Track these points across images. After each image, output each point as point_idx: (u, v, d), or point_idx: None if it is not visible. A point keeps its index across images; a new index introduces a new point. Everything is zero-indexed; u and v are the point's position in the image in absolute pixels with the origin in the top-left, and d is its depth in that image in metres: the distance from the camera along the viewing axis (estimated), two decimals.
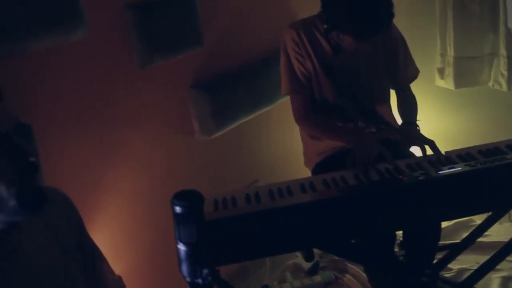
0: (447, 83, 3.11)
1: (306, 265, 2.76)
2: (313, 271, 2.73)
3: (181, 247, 1.11)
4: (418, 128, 2.08)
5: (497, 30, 2.92)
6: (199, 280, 1.12)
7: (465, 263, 2.55)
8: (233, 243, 1.49)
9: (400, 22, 2.20)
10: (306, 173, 2.30)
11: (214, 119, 2.34)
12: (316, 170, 2.23)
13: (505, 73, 2.93)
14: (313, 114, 2.15)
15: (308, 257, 1.72)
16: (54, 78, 1.81)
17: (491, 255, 1.83)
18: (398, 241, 2.67)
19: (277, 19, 2.65)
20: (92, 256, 1.35)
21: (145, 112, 2.15)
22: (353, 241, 1.84)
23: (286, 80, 2.15)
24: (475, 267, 1.89)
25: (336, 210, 1.57)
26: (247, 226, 1.50)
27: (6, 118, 1.06)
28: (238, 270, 2.61)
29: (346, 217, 1.56)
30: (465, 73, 3.02)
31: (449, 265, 2.25)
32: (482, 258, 1.90)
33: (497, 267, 1.89)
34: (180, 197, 1.10)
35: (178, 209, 1.08)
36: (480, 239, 1.94)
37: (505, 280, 2.52)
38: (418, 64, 2.26)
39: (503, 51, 2.91)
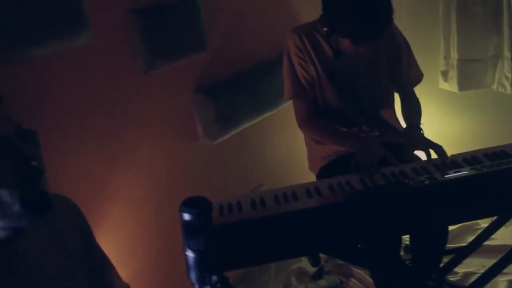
0: (451, 86, 3.09)
1: (311, 269, 2.74)
2: (318, 276, 2.71)
3: (190, 254, 1.10)
4: (422, 132, 2.07)
5: (501, 32, 2.91)
6: (208, 287, 1.11)
7: (471, 266, 2.53)
8: (239, 248, 1.48)
9: (403, 24, 2.19)
10: (310, 177, 2.29)
11: (218, 124, 2.34)
12: (320, 175, 2.22)
13: (509, 75, 2.92)
14: (316, 118, 2.14)
15: (315, 262, 1.72)
16: (58, 83, 1.81)
17: (498, 258, 1.83)
18: (404, 245, 2.67)
19: (281, 24, 2.65)
20: (100, 262, 1.34)
21: (149, 117, 2.15)
22: (359, 245, 1.84)
23: (289, 84, 2.15)
24: (481, 271, 1.88)
25: (342, 214, 1.56)
26: (252, 231, 1.50)
27: (6, 122, 1.06)
28: (243, 275, 2.60)
29: (352, 221, 1.56)
30: (469, 75, 3.01)
31: (455, 269, 2.24)
32: (488, 262, 1.90)
33: (504, 270, 1.87)
34: (189, 204, 1.08)
35: (187, 216, 1.07)
36: (486, 243, 1.93)
37: None
38: (422, 66, 2.25)
39: (507, 53, 2.90)
